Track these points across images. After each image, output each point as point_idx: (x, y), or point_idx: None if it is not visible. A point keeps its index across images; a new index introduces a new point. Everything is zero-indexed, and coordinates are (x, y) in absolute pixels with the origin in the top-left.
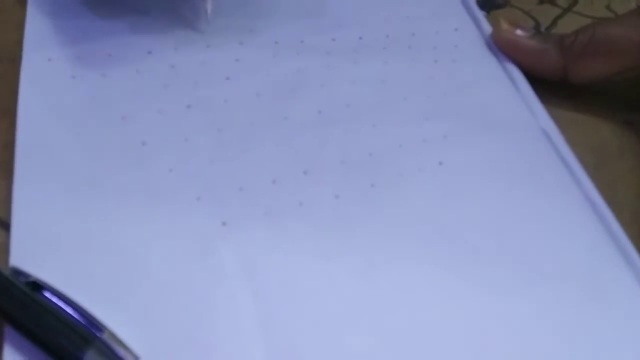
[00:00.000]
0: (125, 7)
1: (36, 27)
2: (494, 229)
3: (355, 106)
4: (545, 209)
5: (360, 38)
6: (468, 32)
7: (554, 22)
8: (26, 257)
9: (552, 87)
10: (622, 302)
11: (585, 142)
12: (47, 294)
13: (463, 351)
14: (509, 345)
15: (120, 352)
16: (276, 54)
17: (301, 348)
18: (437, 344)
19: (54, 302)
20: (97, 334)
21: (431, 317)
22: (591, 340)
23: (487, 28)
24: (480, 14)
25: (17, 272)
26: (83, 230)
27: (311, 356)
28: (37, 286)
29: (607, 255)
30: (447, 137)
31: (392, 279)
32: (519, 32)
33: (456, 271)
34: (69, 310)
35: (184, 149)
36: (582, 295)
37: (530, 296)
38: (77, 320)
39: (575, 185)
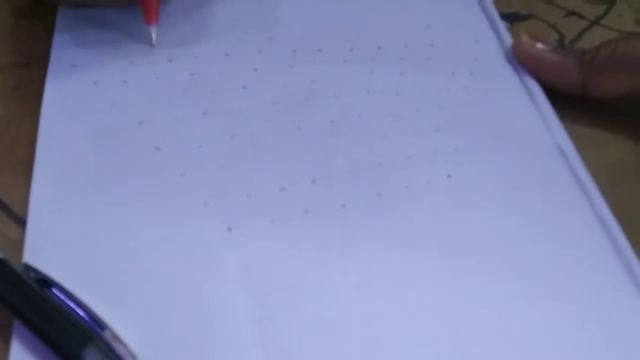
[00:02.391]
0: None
1: (64, 34)
2: (499, 245)
3: (367, 117)
4: (554, 227)
5: (379, 47)
6: (488, 44)
7: (580, 35)
8: (38, 254)
9: (571, 102)
10: (628, 324)
11: (602, 160)
12: (55, 291)
13: None
14: None
15: (119, 350)
16: (293, 63)
17: (298, 354)
18: (435, 358)
19: (60, 299)
20: (99, 332)
21: (430, 330)
22: None
23: (508, 40)
24: (502, 26)
25: (29, 268)
26: (94, 230)
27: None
28: (46, 283)
29: (615, 276)
30: (457, 150)
31: (392, 290)
32: (539, 45)
33: (458, 285)
34: (74, 307)
35: (196, 155)
36: (586, 314)
37: (533, 313)
38: (81, 317)
39: (588, 203)
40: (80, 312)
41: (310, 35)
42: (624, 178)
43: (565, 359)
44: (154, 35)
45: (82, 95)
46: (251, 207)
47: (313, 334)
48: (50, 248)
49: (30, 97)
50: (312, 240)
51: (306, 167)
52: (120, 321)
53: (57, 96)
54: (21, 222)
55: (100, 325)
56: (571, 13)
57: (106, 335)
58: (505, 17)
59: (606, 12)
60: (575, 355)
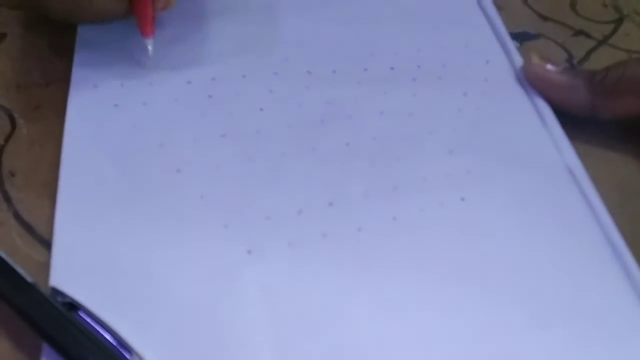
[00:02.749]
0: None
1: (85, 54)
2: (512, 268)
3: (381, 139)
4: (564, 250)
5: (392, 68)
6: (499, 65)
7: (588, 54)
8: (64, 277)
9: (581, 123)
10: (637, 345)
11: (611, 180)
12: (82, 314)
13: None
14: None
15: None
16: (308, 85)
17: None
18: None
19: (88, 323)
20: (126, 356)
21: (444, 355)
22: None
23: (519, 60)
24: (512, 46)
25: (56, 292)
26: (117, 253)
27: None
28: (73, 307)
29: (624, 299)
30: (470, 173)
31: (407, 314)
32: (549, 66)
33: (470, 309)
34: (101, 331)
35: (215, 177)
36: (595, 338)
37: (543, 337)
38: (108, 341)
39: (597, 225)
40: (107, 336)
41: (325, 56)
42: (633, 198)
43: None
44: (150, 48)
45: (104, 117)
46: (270, 230)
47: (330, 357)
48: (76, 270)
49: (51, 117)
50: (330, 265)
51: (323, 190)
52: (145, 345)
53: (79, 118)
54: (46, 243)
55: (127, 349)
56: (579, 32)
57: (134, 359)
58: (514, 36)
59: (614, 32)
60: None
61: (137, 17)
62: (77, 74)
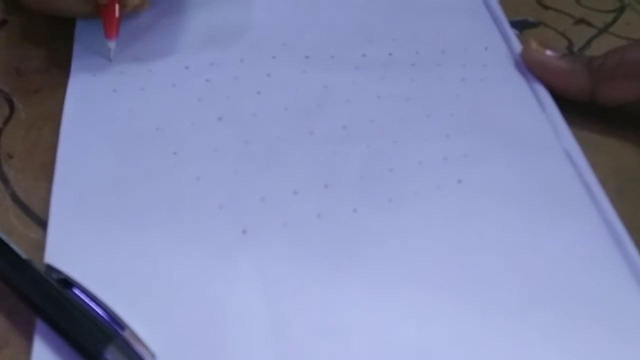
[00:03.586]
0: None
1: (84, 41)
2: (508, 250)
3: (378, 122)
4: (562, 232)
5: (390, 54)
6: (498, 51)
7: (588, 42)
8: (59, 255)
9: (580, 108)
10: (636, 330)
11: (610, 166)
12: (76, 291)
13: None
14: None
15: (139, 349)
16: (306, 69)
17: (309, 354)
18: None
19: (81, 299)
20: (119, 331)
21: (438, 335)
22: None
23: (518, 47)
24: (512, 33)
25: (50, 269)
26: (112, 232)
27: None
28: (67, 283)
29: (622, 282)
30: (467, 156)
31: (402, 294)
32: (548, 52)
33: (466, 290)
34: (94, 307)
35: (211, 159)
36: (592, 320)
37: (540, 318)
38: (101, 317)
39: (595, 209)
40: (101, 312)
41: (323, 41)
42: (632, 184)
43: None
44: (112, 50)
45: (102, 102)
46: (265, 210)
47: (325, 337)
48: (71, 249)
49: (50, 101)
50: (324, 244)
51: (319, 172)
52: (138, 321)
53: (77, 103)
54: (42, 223)
55: (120, 325)
56: (580, 21)
57: (126, 334)
58: (514, 24)
59: (615, 20)
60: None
61: (103, 20)
62: (77, 59)
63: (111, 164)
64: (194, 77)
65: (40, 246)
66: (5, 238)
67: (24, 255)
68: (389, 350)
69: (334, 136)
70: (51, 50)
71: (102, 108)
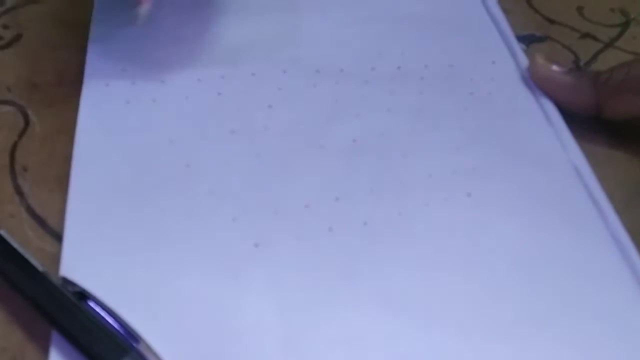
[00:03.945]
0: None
1: (97, 53)
2: (517, 263)
3: (388, 135)
4: (570, 246)
5: (399, 68)
6: (505, 66)
7: (594, 57)
8: (74, 268)
9: (586, 122)
10: None
11: (617, 178)
12: (92, 304)
13: None
14: None
15: None
16: (316, 83)
17: None
18: None
19: (97, 312)
20: (134, 344)
21: (450, 345)
22: None
23: (525, 62)
24: (518, 48)
25: (66, 282)
26: (127, 245)
27: None
28: (83, 296)
29: (629, 295)
30: (476, 170)
31: (414, 305)
32: (554, 67)
33: (476, 301)
34: (110, 320)
35: (224, 172)
36: (599, 332)
37: (548, 333)
38: (117, 329)
39: (602, 222)
40: (116, 325)
41: (333, 55)
42: (639, 197)
43: None
44: (142, 14)
45: (115, 114)
46: (277, 223)
47: (338, 348)
48: (86, 261)
49: (64, 115)
50: (336, 258)
51: (330, 185)
52: (152, 334)
53: (91, 115)
54: (57, 236)
55: (135, 337)
56: (586, 35)
57: (141, 347)
58: (521, 39)
59: (620, 35)
60: None
61: None
62: (90, 72)
63: (125, 177)
64: (206, 90)
65: (56, 259)
66: (21, 250)
67: (40, 268)
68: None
69: (344, 149)
70: (65, 64)
71: (115, 119)
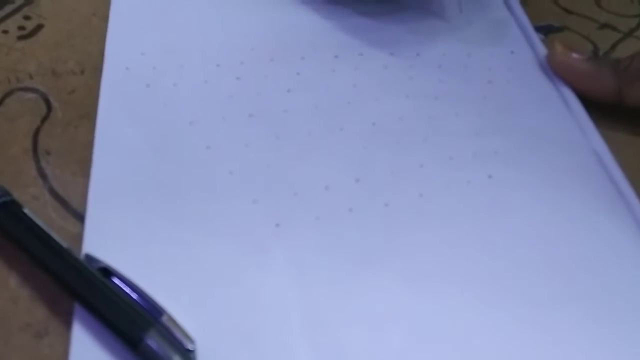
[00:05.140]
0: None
1: (116, 39)
2: (539, 244)
3: (408, 119)
4: (591, 229)
5: (418, 54)
6: (524, 55)
7: (613, 46)
8: (97, 246)
9: (607, 110)
10: None
11: (638, 165)
12: (116, 279)
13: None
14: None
15: (178, 334)
16: (335, 68)
17: (342, 343)
18: (474, 350)
19: (121, 287)
20: (158, 317)
21: (469, 325)
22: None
23: (543, 51)
24: (536, 38)
25: (90, 259)
26: (149, 224)
27: (351, 351)
28: (107, 272)
29: None
30: (497, 153)
31: (433, 285)
32: (574, 55)
33: (497, 282)
34: (133, 295)
35: (244, 154)
36: (622, 314)
37: (571, 312)
38: (140, 304)
39: (624, 206)
40: (140, 300)
41: (352, 41)
42: None
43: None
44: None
45: (136, 98)
46: (298, 204)
47: (357, 325)
48: (108, 240)
49: (85, 101)
50: (357, 237)
51: (350, 167)
52: (177, 308)
53: (112, 98)
54: (80, 217)
55: (159, 311)
56: (604, 25)
57: (165, 320)
58: (539, 29)
59: (639, 25)
60: (615, 353)
61: None
62: (110, 56)
63: (146, 158)
64: (225, 75)
65: (79, 238)
66: (46, 228)
67: (64, 244)
68: (422, 337)
69: (364, 132)
70: (86, 54)
71: (136, 103)
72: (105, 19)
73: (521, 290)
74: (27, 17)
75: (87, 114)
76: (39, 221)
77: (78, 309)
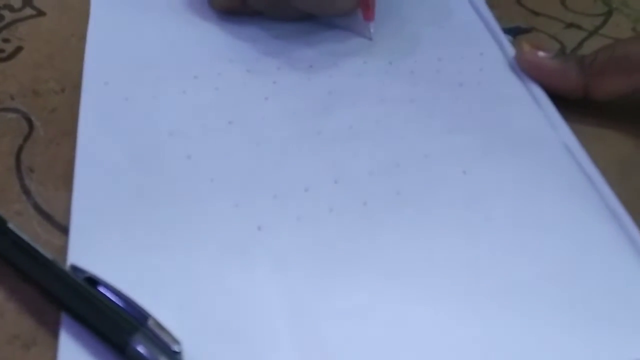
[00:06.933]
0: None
1: (94, 55)
2: (514, 234)
3: (384, 122)
4: (566, 218)
5: (390, 63)
6: (493, 56)
7: (580, 44)
8: (82, 257)
9: (575, 105)
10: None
11: (608, 156)
12: (101, 288)
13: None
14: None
15: (164, 337)
16: (310, 77)
17: (326, 341)
18: (456, 342)
19: (106, 294)
20: (143, 322)
21: (450, 318)
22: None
23: (512, 52)
24: (505, 39)
25: (75, 269)
26: (132, 234)
27: (335, 348)
28: (92, 281)
29: (629, 264)
30: (470, 149)
31: (414, 278)
32: (540, 53)
33: (475, 274)
34: (119, 301)
35: (224, 161)
36: (598, 296)
37: (548, 296)
38: (126, 309)
39: (597, 195)
40: (125, 306)
41: (326, 52)
42: (630, 172)
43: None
44: (372, 30)
45: (115, 111)
46: (278, 207)
47: (341, 319)
48: (92, 251)
49: (67, 118)
50: (338, 236)
51: (328, 168)
52: (162, 313)
53: (91, 113)
54: (64, 230)
55: (145, 315)
56: (570, 25)
57: (150, 324)
58: (508, 31)
59: (604, 23)
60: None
61: (362, 7)
62: (88, 71)
63: (127, 170)
64: (203, 86)
65: (64, 251)
66: (31, 241)
67: (49, 256)
68: (404, 331)
69: (341, 135)
70: (66, 73)
71: (115, 116)
72: (83, 38)
73: (499, 280)
74: (6, 40)
75: (69, 131)
76: (23, 235)
77: (65, 319)
